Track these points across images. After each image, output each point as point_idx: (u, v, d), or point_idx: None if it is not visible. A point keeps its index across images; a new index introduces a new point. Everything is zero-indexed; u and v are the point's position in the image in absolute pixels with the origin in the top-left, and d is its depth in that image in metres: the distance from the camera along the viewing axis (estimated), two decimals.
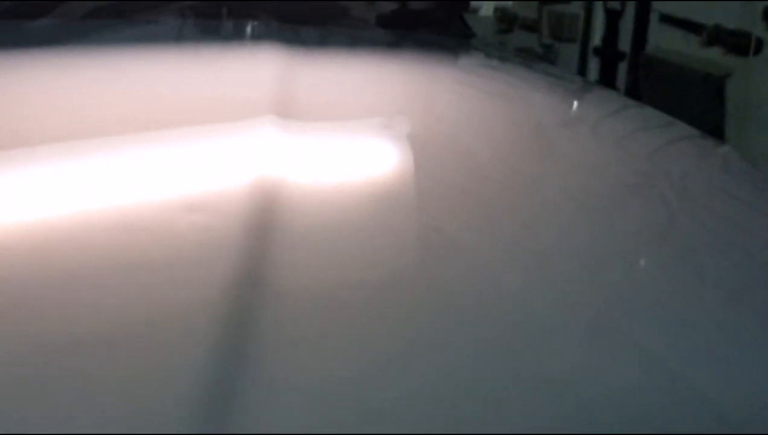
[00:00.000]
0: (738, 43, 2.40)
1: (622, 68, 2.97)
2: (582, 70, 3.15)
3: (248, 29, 1.37)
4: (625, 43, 2.96)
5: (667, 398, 0.69)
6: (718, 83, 2.45)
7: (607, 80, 2.95)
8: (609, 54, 2.97)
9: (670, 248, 0.93)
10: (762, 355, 0.76)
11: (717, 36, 2.47)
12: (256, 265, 0.69)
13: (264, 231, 0.73)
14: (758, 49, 2.36)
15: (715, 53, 2.50)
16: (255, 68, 1.15)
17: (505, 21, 3.70)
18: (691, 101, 2.46)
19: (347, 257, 0.74)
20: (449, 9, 1.68)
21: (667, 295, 0.83)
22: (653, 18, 2.84)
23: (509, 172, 1.00)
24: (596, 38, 3.10)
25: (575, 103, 1.39)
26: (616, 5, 2.98)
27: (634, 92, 2.77)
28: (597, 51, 3.03)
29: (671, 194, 1.07)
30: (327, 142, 0.98)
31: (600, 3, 3.06)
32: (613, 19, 3.00)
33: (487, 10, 3.46)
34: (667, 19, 2.76)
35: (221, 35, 1.38)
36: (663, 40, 2.72)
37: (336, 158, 0.94)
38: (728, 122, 2.45)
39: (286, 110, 0.97)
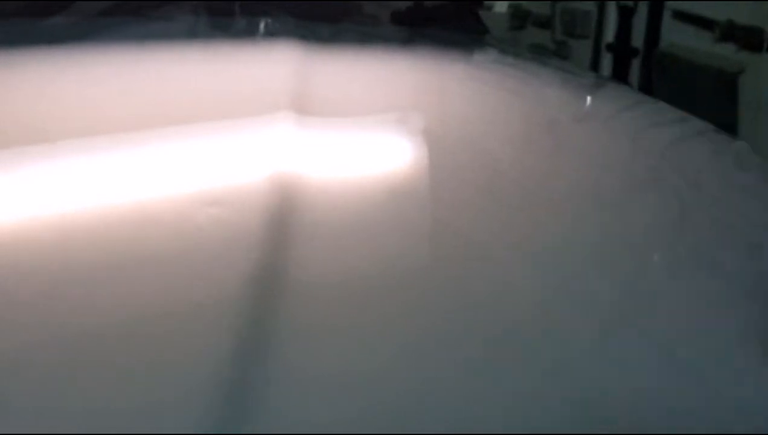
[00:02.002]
0: (751, 39, 2.39)
1: (635, 65, 2.97)
2: (595, 67, 3.14)
3: (264, 26, 1.37)
4: (637, 40, 2.96)
5: (682, 393, 0.70)
6: (731, 79, 2.44)
7: (620, 77, 2.95)
8: (622, 51, 2.96)
9: (684, 244, 0.93)
10: None
11: (730, 32, 2.46)
12: (275, 258, 0.69)
13: (282, 224, 0.74)
14: None
15: (728, 49, 2.49)
16: (272, 64, 1.16)
17: (518, 18, 3.70)
18: (705, 98, 2.45)
19: (364, 252, 0.74)
20: (463, 6, 1.68)
21: (682, 290, 0.83)
22: (666, 14, 2.83)
23: (524, 168, 1.00)
24: (609, 35, 3.09)
25: (589, 99, 1.40)
26: (629, 2, 2.97)
27: (647, 89, 2.76)
28: (610, 48, 3.03)
29: (685, 189, 1.07)
30: (343, 138, 0.98)
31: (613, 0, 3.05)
32: (626, 15, 3.00)
33: (501, 6, 3.45)
34: (680, 16, 2.75)
35: (237, 32, 1.38)
36: (676, 37, 2.71)
37: (352, 154, 0.94)
38: (741, 118, 2.44)
39: (303, 106, 0.98)
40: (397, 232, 0.78)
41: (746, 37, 2.42)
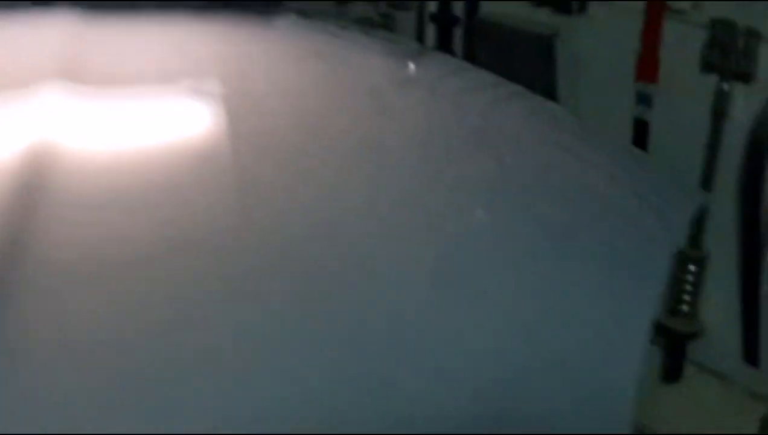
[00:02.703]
0: (563, 2, 2.50)
1: (459, 34, 3.03)
2: (420, 37, 3.19)
3: None
4: (460, 8, 3.02)
5: (505, 339, 0.72)
6: (547, 43, 2.54)
7: (444, 46, 3.00)
8: (444, 20, 3.02)
9: (505, 198, 0.96)
10: (589, 296, 0.80)
11: None
12: (19, 227, 0.67)
13: (34, 193, 0.72)
14: (581, 7, 2.47)
15: (543, 14, 2.59)
16: (48, 33, 1.11)
17: None
18: (524, 61, 2.54)
19: (115, 220, 0.72)
20: None
21: (503, 242, 0.86)
22: None
23: (338, 131, 0.99)
24: (432, 5, 3.14)
25: (405, 65, 1.41)
26: None
27: (470, 56, 2.83)
28: (433, 17, 3.08)
29: (505, 148, 1.10)
30: (115, 106, 0.95)
31: None
32: None
33: None
34: None
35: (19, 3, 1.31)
36: (495, 4, 2.79)
37: (121, 122, 0.91)
38: (559, 79, 2.55)
39: (76, 74, 0.94)
40: (158, 201, 0.76)
41: (559, 1, 2.52)
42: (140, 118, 0.92)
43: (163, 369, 0.57)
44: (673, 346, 2.39)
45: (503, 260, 0.80)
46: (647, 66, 2.32)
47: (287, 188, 0.79)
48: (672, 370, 2.41)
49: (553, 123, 1.32)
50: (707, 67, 2.19)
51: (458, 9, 3.00)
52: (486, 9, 2.83)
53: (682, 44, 2.26)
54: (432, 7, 3.13)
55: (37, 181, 0.71)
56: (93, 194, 0.72)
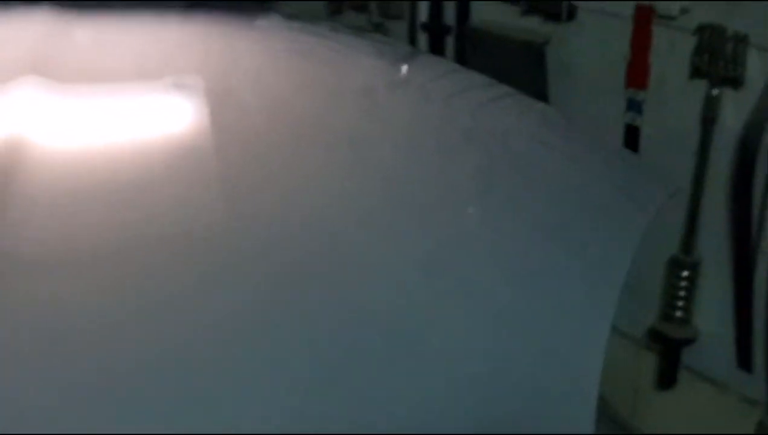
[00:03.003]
0: (552, 10, 2.51)
1: (450, 42, 3.04)
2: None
3: None
4: (451, 18, 3.03)
5: (487, 330, 0.72)
6: (538, 50, 2.55)
7: (436, 54, 3.01)
8: (436, 29, 3.04)
9: (493, 193, 0.97)
10: (570, 288, 0.81)
11: (533, 5, 2.58)
12: None
13: (5, 190, 0.71)
14: (571, 15, 2.48)
15: (533, 22, 2.60)
16: (26, 29, 1.11)
17: (335, 2, 3.71)
18: (515, 69, 2.55)
19: (84, 219, 0.72)
20: None
21: (491, 235, 0.87)
22: None
23: (329, 128, 0.99)
24: (423, 14, 3.15)
25: (395, 65, 1.41)
26: None
27: (461, 64, 2.84)
28: (424, 26, 3.09)
29: (494, 146, 1.11)
30: (92, 101, 0.95)
31: None
32: None
33: None
34: None
35: None
36: (485, 12, 2.80)
37: (98, 117, 0.91)
38: (550, 87, 2.56)
39: (53, 71, 0.94)
40: (134, 196, 0.75)
41: (548, 9, 2.53)
42: (118, 113, 0.92)
43: (140, 364, 0.57)
44: (668, 351, 2.39)
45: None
46: (637, 72, 2.33)
47: (270, 185, 0.78)
48: (666, 376, 2.41)
49: (541, 121, 1.33)
50: (696, 72, 2.20)
51: (449, 18, 3.01)
52: (477, 17, 2.84)
53: (672, 50, 2.27)
54: (423, 16, 3.14)
55: (8, 178, 0.71)
56: (66, 191, 0.72)
